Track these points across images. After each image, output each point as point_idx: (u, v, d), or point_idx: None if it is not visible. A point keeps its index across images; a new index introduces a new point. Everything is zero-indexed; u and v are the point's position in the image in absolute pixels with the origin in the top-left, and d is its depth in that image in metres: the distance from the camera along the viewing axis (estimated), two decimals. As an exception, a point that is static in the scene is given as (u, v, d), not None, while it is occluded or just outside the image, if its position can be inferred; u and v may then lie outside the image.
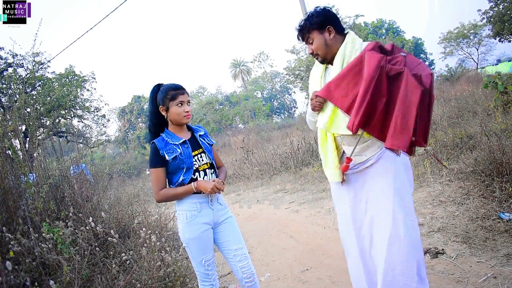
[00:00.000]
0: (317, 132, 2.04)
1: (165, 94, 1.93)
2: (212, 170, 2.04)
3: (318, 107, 1.93)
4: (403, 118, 1.50)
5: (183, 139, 1.96)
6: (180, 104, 1.92)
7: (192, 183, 1.90)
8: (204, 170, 1.98)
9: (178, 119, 1.94)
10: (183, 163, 1.92)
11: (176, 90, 1.93)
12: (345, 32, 1.94)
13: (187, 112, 1.95)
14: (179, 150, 1.92)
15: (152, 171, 1.92)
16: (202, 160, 1.99)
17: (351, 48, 1.85)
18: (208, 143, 2.08)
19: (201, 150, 2.02)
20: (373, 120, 1.56)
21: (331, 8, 1.97)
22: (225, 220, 2.04)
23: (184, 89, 1.97)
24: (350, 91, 1.61)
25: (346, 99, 1.64)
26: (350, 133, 1.76)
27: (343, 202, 2.00)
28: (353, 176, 1.93)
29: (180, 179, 1.91)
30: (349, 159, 1.83)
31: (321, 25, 1.88)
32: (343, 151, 1.93)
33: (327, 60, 1.95)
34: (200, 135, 2.07)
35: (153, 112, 1.99)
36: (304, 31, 1.94)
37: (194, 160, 1.95)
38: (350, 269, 2.06)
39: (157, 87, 2.00)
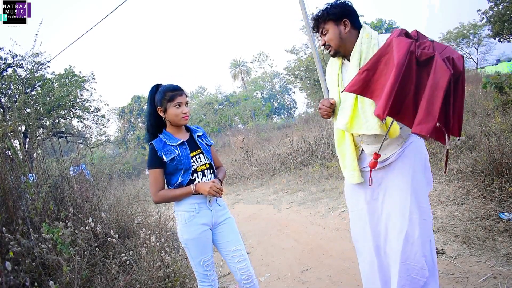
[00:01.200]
0: (334, 133, 2.02)
1: (163, 95, 1.92)
2: (211, 170, 2.03)
3: (326, 116, 1.94)
4: (428, 103, 1.44)
5: (181, 140, 1.96)
6: (178, 106, 1.92)
7: (191, 185, 1.90)
8: (203, 171, 1.98)
9: (176, 120, 1.94)
10: (181, 164, 1.91)
11: (174, 91, 1.93)
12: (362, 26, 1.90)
13: (185, 113, 1.94)
14: (176, 152, 1.91)
15: (151, 172, 1.92)
16: (201, 161, 1.99)
17: (368, 43, 1.82)
18: (206, 143, 2.07)
19: (199, 151, 2.01)
20: (402, 107, 1.51)
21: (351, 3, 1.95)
22: (224, 221, 2.04)
23: (182, 90, 1.97)
24: (383, 82, 1.54)
25: (381, 89, 1.56)
26: (373, 132, 1.75)
27: (359, 199, 1.98)
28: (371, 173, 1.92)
29: (179, 180, 1.91)
30: (377, 155, 1.78)
31: (338, 16, 1.84)
32: (362, 149, 1.92)
33: (339, 53, 1.91)
34: (198, 136, 2.07)
35: (151, 113, 1.99)
36: (320, 21, 1.89)
37: (192, 161, 1.95)
38: (362, 267, 2.04)
39: (156, 88, 1.99)
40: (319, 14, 1.90)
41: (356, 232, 2.05)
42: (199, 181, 1.94)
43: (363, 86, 1.62)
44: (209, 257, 1.97)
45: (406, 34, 1.61)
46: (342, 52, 1.90)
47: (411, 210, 1.80)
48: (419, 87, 1.49)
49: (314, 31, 1.99)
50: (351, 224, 2.08)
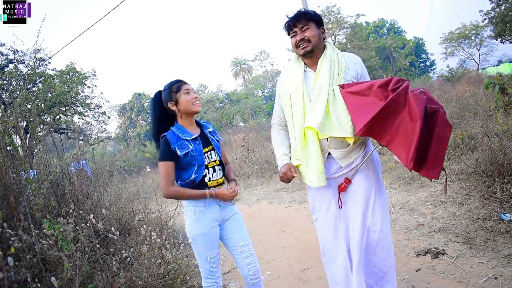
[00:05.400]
0: (296, 136, 2.01)
1: (169, 90, 1.93)
2: (220, 167, 2.03)
3: (286, 182, 2.05)
4: (436, 152, 1.71)
5: (195, 135, 1.95)
6: (187, 93, 1.93)
7: (208, 191, 1.89)
8: (213, 167, 1.98)
9: (189, 107, 1.93)
10: (194, 160, 1.90)
11: (178, 83, 1.95)
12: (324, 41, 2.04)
13: (196, 98, 1.95)
14: (190, 147, 1.90)
15: (163, 164, 1.88)
16: (212, 158, 1.98)
17: (336, 54, 1.96)
18: (217, 139, 2.08)
19: (211, 147, 2.01)
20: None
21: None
22: (231, 216, 2.04)
23: (184, 80, 1.99)
24: (389, 127, 1.74)
25: (389, 135, 1.75)
26: (346, 135, 1.84)
27: (330, 205, 2.03)
28: (338, 179, 1.99)
29: (192, 176, 1.90)
30: (349, 180, 1.94)
31: (319, 22, 1.98)
32: (328, 153, 1.97)
33: (311, 53, 1.95)
34: (209, 132, 2.06)
35: (158, 118, 2.00)
36: (304, 17, 1.96)
37: (204, 157, 1.94)
38: (334, 274, 2.08)
39: (159, 93, 2.01)
40: (304, 12, 1.98)
41: (327, 240, 2.07)
42: (209, 177, 1.94)
43: (371, 129, 1.75)
44: (215, 254, 1.97)
45: (398, 82, 1.74)
46: (314, 52, 1.96)
47: (375, 208, 1.93)
48: (425, 136, 1.68)
49: (290, 23, 1.98)
50: (320, 233, 2.11)
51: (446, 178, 2.01)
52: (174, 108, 1.94)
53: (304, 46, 1.94)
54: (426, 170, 1.72)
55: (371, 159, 1.97)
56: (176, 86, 1.93)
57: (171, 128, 1.95)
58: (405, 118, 1.68)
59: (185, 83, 1.96)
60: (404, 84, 1.70)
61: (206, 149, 1.97)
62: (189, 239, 1.98)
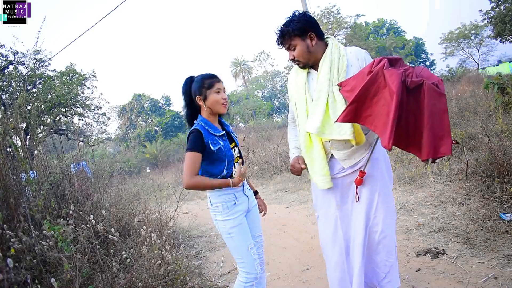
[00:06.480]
0: (300, 139, 2.04)
1: (201, 84, 1.91)
2: (241, 161, 2.07)
3: (297, 174, 2.08)
4: (439, 127, 1.56)
5: (223, 132, 1.96)
6: (217, 92, 1.91)
7: (231, 180, 1.88)
8: (238, 163, 2.02)
9: (216, 107, 1.92)
10: (225, 156, 1.91)
11: (211, 79, 1.92)
12: (325, 37, 1.95)
13: (225, 99, 1.93)
14: (221, 143, 1.91)
15: (190, 154, 1.82)
16: (235, 154, 2.02)
17: (337, 53, 1.87)
18: (236, 137, 2.11)
19: (234, 144, 2.04)
20: (398, 133, 1.57)
21: (311, 14, 1.98)
22: (253, 207, 2.08)
23: (218, 77, 1.95)
24: (374, 110, 1.63)
25: (375, 119, 1.63)
26: (346, 137, 1.81)
27: (330, 205, 2.03)
28: (341, 179, 1.98)
29: (224, 172, 1.91)
30: (363, 172, 1.86)
31: (303, 31, 1.85)
32: (330, 157, 1.96)
33: (308, 65, 1.95)
34: (230, 129, 2.09)
35: (188, 104, 1.99)
36: (286, 37, 1.89)
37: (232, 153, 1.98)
38: (330, 273, 2.08)
39: (190, 79, 1.98)
40: (283, 31, 1.89)
41: (325, 238, 2.08)
42: (235, 173, 1.96)
43: (354, 114, 1.68)
44: (253, 244, 1.96)
45: (390, 61, 1.67)
46: (311, 63, 1.93)
47: (378, 209, 1.91)
48: (408, 113, 1.58)
49: (279, 47, 1.97)
50: (320, 231, 2.12)
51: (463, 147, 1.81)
52: (201, 103, 1.92)
53: (297, 63, 1.96)
54: (432, 150, 1.55)
55: (377, 160, 1.93)
56: (208, 82, 1.90)
57: (198, 122, 1.92)
58: (387, 98, 1.57)
59: (219, 80, 1.92)
60: (380, 64, 1.61)
61: (231, 146, 2.00)
62: (223, 235, 1.95)
